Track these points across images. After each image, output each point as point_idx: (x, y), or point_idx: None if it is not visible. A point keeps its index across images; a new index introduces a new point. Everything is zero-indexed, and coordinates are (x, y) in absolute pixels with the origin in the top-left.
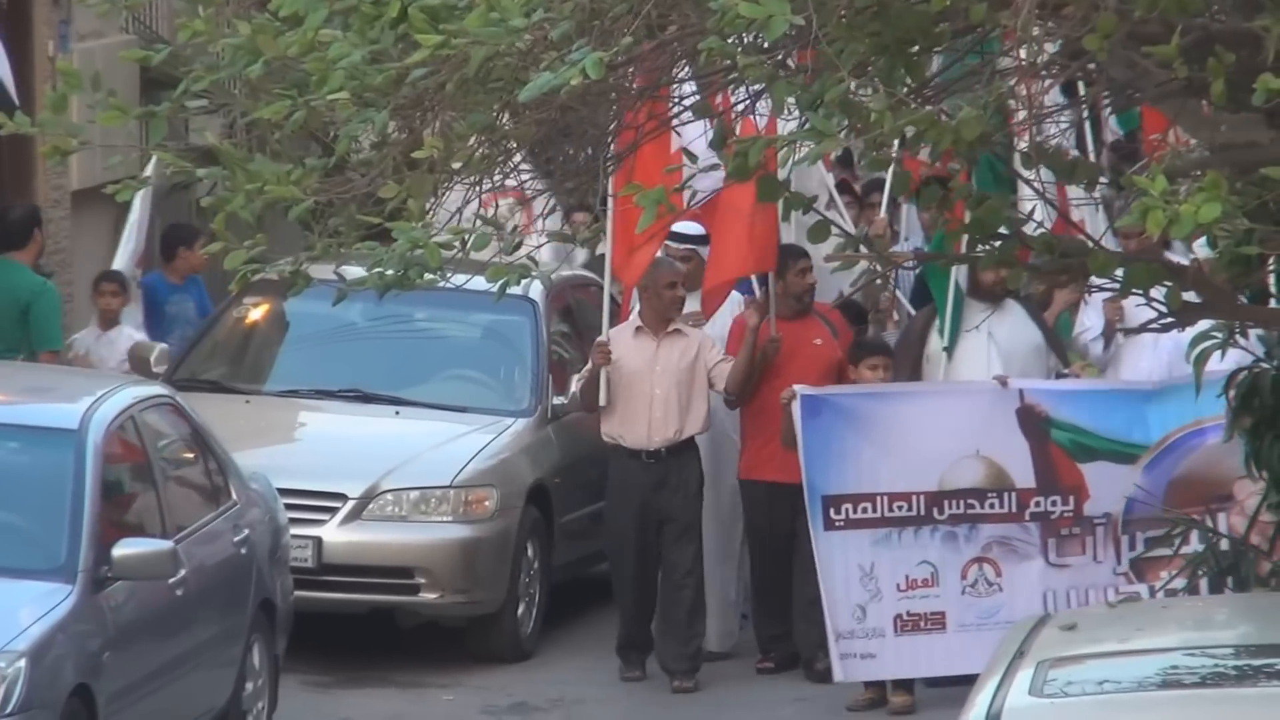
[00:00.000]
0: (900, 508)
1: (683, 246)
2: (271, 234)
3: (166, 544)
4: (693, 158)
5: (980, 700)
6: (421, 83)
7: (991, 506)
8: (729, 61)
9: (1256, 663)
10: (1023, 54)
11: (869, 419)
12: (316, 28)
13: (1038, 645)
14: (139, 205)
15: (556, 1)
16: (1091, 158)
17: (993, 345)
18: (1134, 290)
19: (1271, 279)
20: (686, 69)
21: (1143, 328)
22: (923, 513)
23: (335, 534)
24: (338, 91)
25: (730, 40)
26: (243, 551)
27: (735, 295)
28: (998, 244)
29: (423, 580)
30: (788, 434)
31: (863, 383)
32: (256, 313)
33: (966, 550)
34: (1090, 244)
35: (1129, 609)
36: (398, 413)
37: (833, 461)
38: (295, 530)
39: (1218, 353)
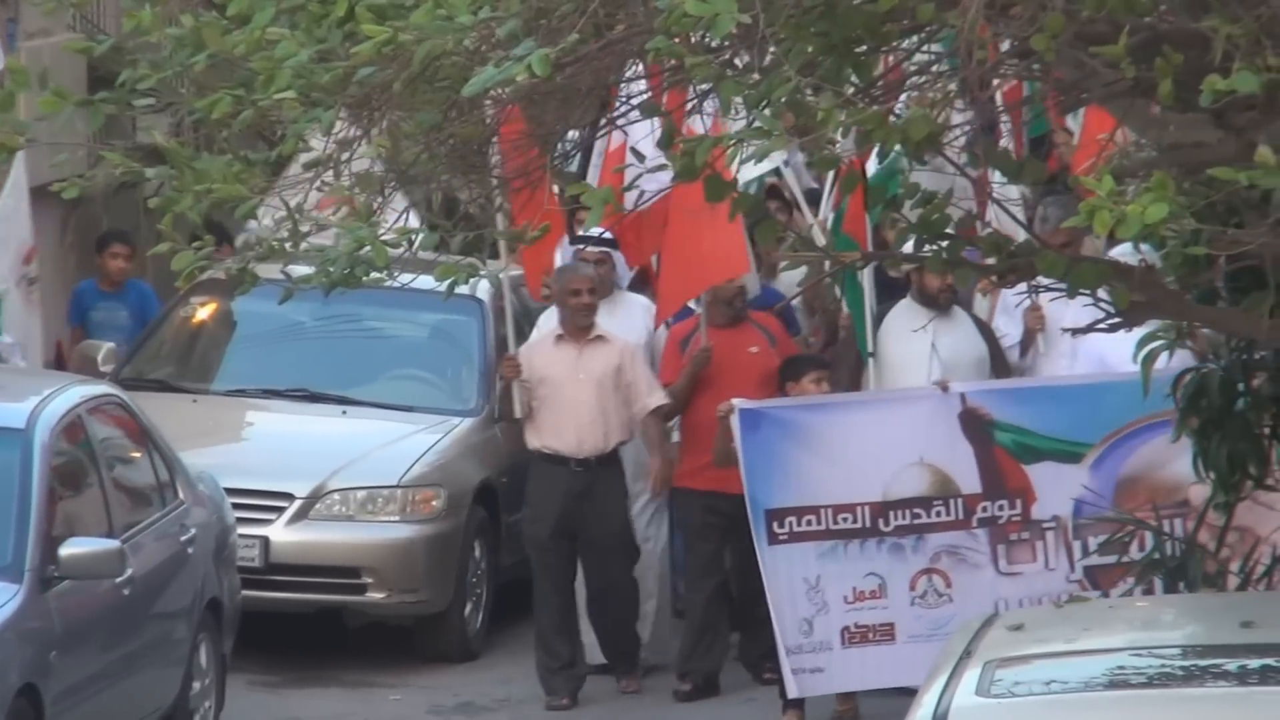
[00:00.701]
0: (845, 519)
1: (597, 250)
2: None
3: (113, 543)
4: (640, 157)
5: (927, 700)
6: (369, 81)
7: (938, 515)
8: (676, 61)
9: (1203, 663)
10: (971, 54)
11: (809, 430)
12: (264, 26)
13: (984, 645)
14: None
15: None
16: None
17: (935, 357)
18: (1081, 290)
19: (1221, 279)
20: (635, 68)
21: (1089, 328)
22: (868, 524)
23: (282, 533)
24: (285, 90)
25: (677, 40)
26: (190, 551)
27: (641, 300)
28: (945, 244)
29: (369, 580)
30: (721, 451)
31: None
32: (204, 312)
33: (914, 561)
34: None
35: (1076, 609)
36: (345, 412)
37: (774, 474)
38: (242, 530)
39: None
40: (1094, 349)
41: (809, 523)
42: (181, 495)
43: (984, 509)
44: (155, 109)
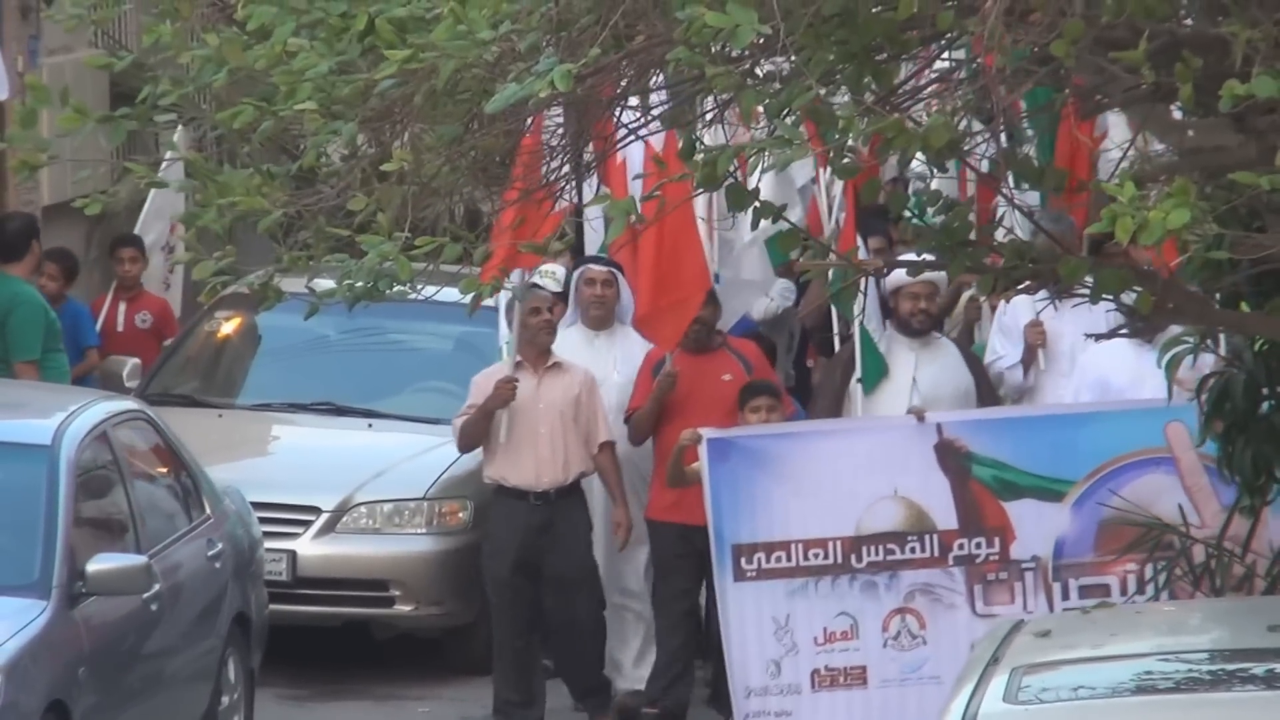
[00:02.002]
0: (816, 555)
1: (604, 269)
2: (242, 247)
3: (140, 559)
4: (661, 165)
5: (955, 707)
6: (389, 94)
7: (912, 551)
8: (697, 71)
9: (1230, 667)
10: (992, 60)
11: (780, 461)
12: (284, 40)
13: (1012, 651)
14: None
15: (524, 13)
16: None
17: (914, 390)
18: (1104, 296)
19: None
20: (657, 78)
21: (1112, 334)
22: (840, 560)
23: (309, 547)
24: (305, 103)
25: (698, 50)
26: (217, 565)
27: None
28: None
29: (397, 592)
30: (674, 473)
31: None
32: (228, 326)
33: (888, 600)
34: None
35: (1103, 615)
36: (370, 425)
37: (742, 508)
38: (269, 544)
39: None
40: (1096, 369)
41: (778, 559)
42: (208, 510)
43: (960, 546)
44: (177, 123)
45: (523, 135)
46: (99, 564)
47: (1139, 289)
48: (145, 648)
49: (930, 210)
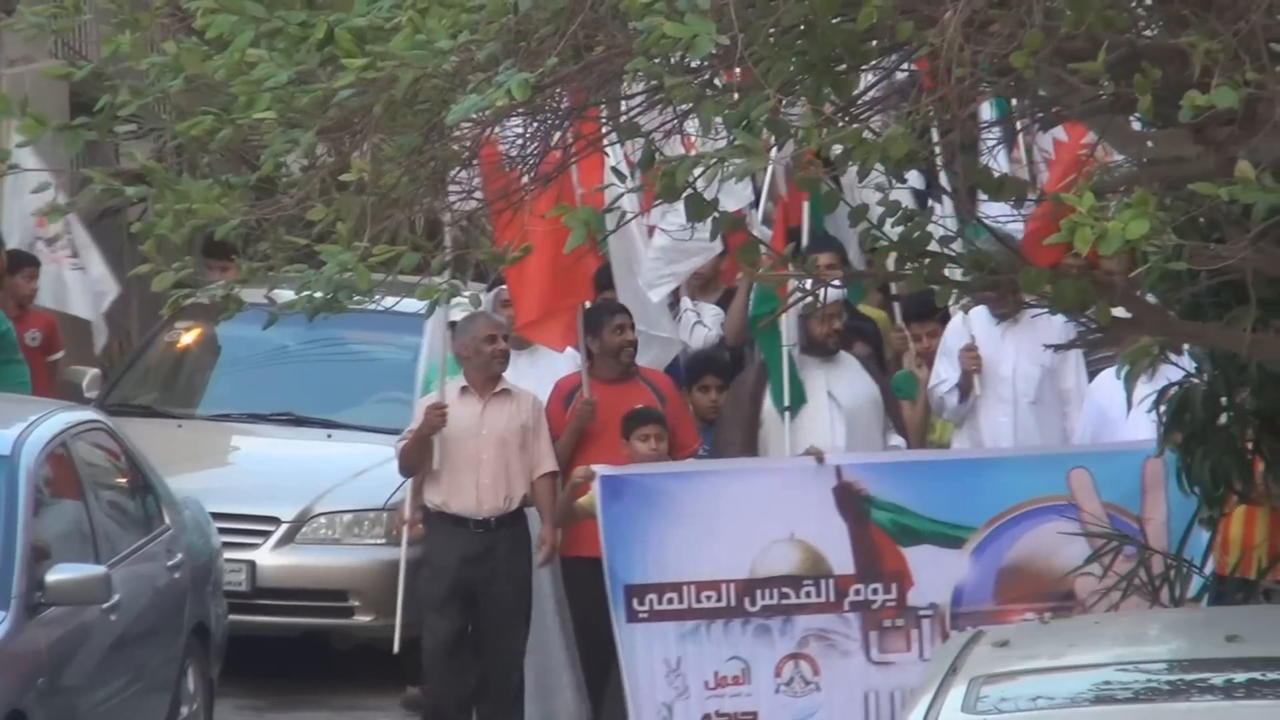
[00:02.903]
0: (709, 598)
1: None
2: (202, 258)
3: (100, 569)
4: (621, 177)
5: (913, 717)
6: (349, 104)
7: (807, 595)
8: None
9: (1189, 677)
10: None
11: (675, 500)
12: (243, 49)
13: (970, 661)
14: None
15: (483, 23)
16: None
17: (834, 405)
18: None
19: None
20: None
21: (1070, 344)
22: (733, 603)
23: (269, 557)
24: (264, 112)
25: (656, 60)
26: (176, 576)
27: (569, 351)
28: (925, 262)
29: (356, 603)
30: (564, 509)
31: (636, 457)
32: (188, 337)
33: (781, 645)
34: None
35: (1061, 625)
36: (330, 435)
37: (635, 548)
38: (229, 554)
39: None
40: (1033, 392)
41: (670, 600)
42: (167, 520)
43: (857, 592)
44: (137, 134)
45: (481, 146)
46: (58, 574)
47: (1097, 300)
48: (104, 658)
49: (890, 221)
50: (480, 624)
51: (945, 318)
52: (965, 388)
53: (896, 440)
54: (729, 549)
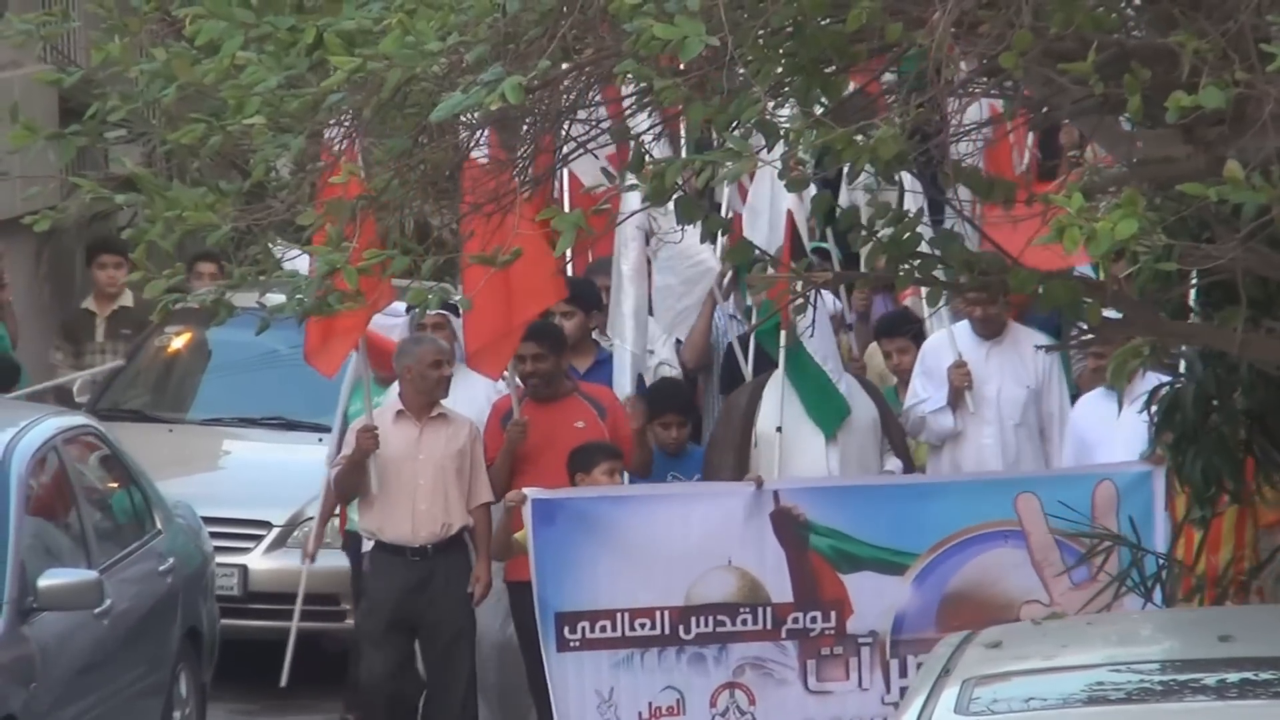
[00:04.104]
0: (643, 626)
1: (434, 314)
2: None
3: (92, 574)
4: (611, 177)
5: (906, 719)
6: (338, 107)
7: (744, 623)
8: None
9: (1181, 678)
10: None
11: (609, 526)
12: (232, 54)
13: (963, 663)
14: None
15: (471, 25)
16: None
17: None
18: (1054, 307)
19: (1191, 294)
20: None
21: (1062, 344)
22: (668, 631)
23: (260, 561)
24: (254, 117)
25: (646, 62)
26: (168, 580)
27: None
28: (916, 263)
29: (348, 606)
30: (500, 542)
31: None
32: (179, 342)
33: (716, 674)
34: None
35: (1054, 626)
36: (321, 440)
37: (567, 574)
38: (220, 558)
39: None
40: (1019, 411)
41: (603, 629)
42: (159, 525)
43: (794, 619)
44: (126, 140)
45: (470, 149)
46: (50, 579)
47: (1088, 300)
48: (97, 663)
49: (879, 223)
50: (423, 655)
51: (917, 336)
52: (955, 406)
53: (894, 464)
54: (664, 575)
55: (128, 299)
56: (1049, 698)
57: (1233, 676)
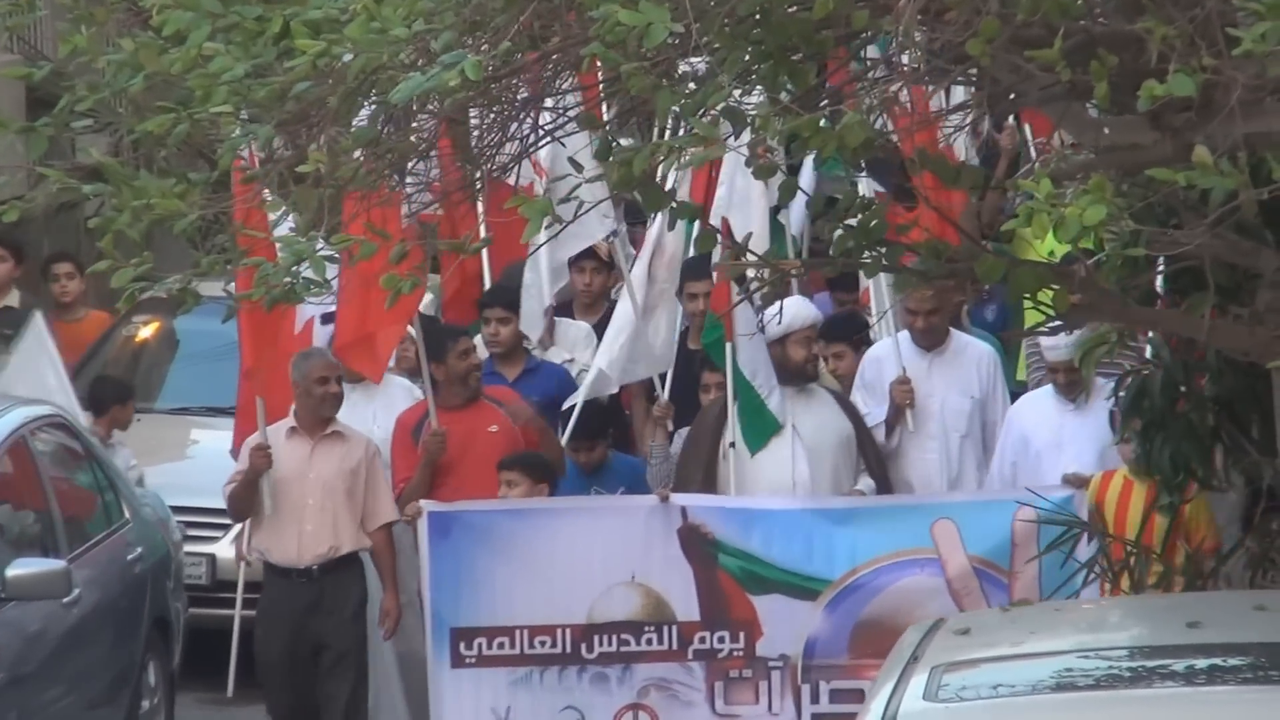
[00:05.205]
0: (543, 643)
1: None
2: (159, 253)
3: (60, 563)
4: (578, 167)
5: (875, 706)
6: (305, 96)
7: (649, 643)
8: (613, 71)
9: (1150, 664)
10: (905, 59)
11: (508, 539)
12: (200, 44)
13: (932, 650)
14: None
15: (437, 12)
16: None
17: (797, 440)
18: (1023, 295)
19: (1158, 280)
20: (570, 80)
21: (1031, 330)
22: (569, 650)
23: (228, 550)
24: (221, 106)
25: (613, 49)
26: (136, 570)
27: (403, 382)
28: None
29: None
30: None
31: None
32: (146, 331)
33: (619, 694)
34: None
35: (1022, 613)
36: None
37: (464, 588)
38: (189, 547)
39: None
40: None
41: (501, 645)
42: (127, 514)
43: (701, 640)
44: (94, 130)
45: (439, 137)
46: (18, 569)
47: (1055, 287)
48: (65, 652)
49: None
50: (319, 672)
51: (859, 343)
52: (893, 424)
53: (866, 483)
54: (565, 592)
55: (14, 299)
56: (1017, 684)
57: (1201, 663)
